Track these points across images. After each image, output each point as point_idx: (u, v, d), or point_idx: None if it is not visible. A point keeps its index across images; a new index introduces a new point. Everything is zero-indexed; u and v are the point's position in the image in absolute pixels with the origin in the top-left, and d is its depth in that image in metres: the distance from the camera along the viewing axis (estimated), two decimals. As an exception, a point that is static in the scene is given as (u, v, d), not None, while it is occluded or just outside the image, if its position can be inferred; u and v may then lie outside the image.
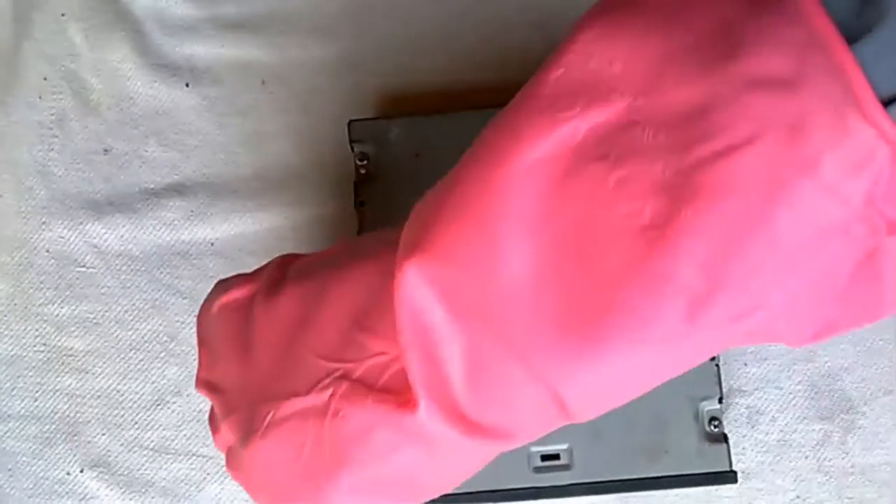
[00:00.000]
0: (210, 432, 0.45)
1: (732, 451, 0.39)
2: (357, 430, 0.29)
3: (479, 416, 0.27)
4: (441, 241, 0.26)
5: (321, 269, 0.32)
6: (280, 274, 0.34)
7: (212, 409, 0.34)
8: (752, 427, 0.42)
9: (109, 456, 0.44)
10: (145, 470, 0.44)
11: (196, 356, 0.44)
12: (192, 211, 0.45)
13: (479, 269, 0.25)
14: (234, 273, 0.46)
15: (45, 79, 0.46)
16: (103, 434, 0.44)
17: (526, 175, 0.24)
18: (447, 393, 0.27)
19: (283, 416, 0.30)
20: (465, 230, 0.26)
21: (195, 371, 0.44)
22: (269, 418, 0.31)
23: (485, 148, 0.26)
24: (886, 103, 0.21)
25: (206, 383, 0.34)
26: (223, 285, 0.35)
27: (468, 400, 0.27)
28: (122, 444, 0.44)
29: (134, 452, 0.44)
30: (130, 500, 0.43)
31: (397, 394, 0.28)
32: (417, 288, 0.26)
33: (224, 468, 0.43)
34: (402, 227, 0.29)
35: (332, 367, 0.30)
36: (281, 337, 0.32)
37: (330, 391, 0.30)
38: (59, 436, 0.44)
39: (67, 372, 0.44)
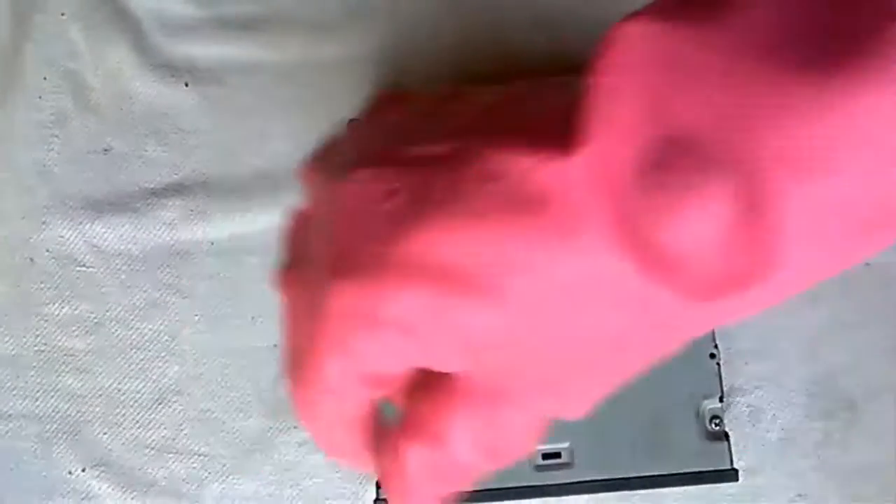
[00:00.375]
0: (212, 432, 0.45)
1: (733, 449, 0.39)
2: (494, 172, 0.22)
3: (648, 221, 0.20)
4: None
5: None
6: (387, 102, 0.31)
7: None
8: (754, 425, 0.42)
9: (111, 455, 0.44)
10: (147, 469, 0.44)
11: (197, 356, 0.44)
12: (192, 210, 0.45)
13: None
14: (235, 271, 0.46)
15: (44, 78, 0.46)
16: (104, 433, 0.44)
17: None
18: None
19: (390, 154, 0.25)
20: None
21: (196, 370, 0.44)
22: (370, 152, 0.26)
23: None
24: None
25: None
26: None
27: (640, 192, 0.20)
28: (123, 444, 0.44)
29: (135, 451, 0.44)
30: (132, 499, 0.43)
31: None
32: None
33: (225, 468, 0.43)
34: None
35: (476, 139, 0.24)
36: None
37: (459, 143, 0.24)
38: (60, 435, 0.44)
39: (68, 371, 0.44)
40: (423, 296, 0.23)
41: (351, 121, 0.41)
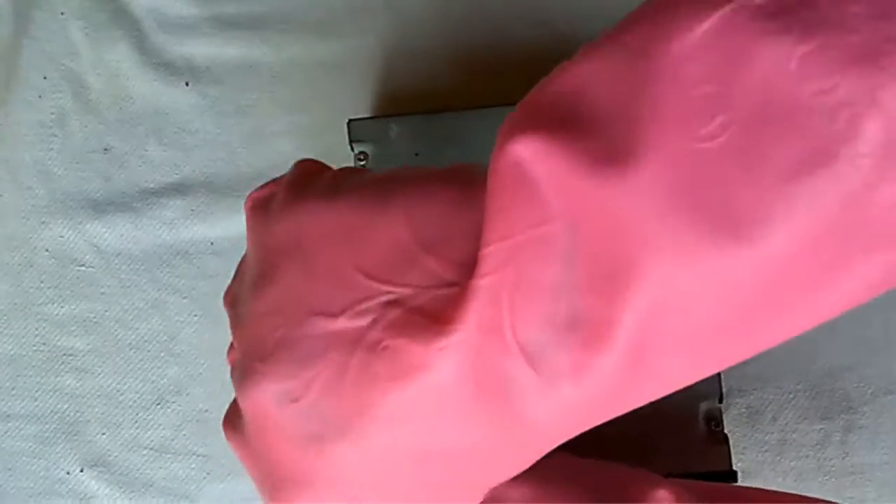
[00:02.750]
0: (210, 432, 0.45)
1: (733, 450, 0.39)
2: (400, 369, 0.23)
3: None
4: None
5: (381, 182, 0.27)
6: (305, 176, 0.28)
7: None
8: (753, 427, 0.42)
9: (109, 455, 0.44)
10: (145, 469, 0.44)
11: (196, 356, 0.44)
12: (192, 210, 0.45)
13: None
14: (232, 272, 0.46)
15: (44, 78, 0.46)
16: (103, 433, 0.44)
17: (692, 52, 0.20)
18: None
19: (295, 336, 0.24)
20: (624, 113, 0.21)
21: (195, 370, 0.44)
22: (276, 336, 0.25)
23: (639, 26, 0.22)
24: None
25: (228, 294, 0.29)
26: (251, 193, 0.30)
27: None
28: (122, 444, 0.44)
29: (134, 452, 0.44)
30: (130, 499, 0.43)
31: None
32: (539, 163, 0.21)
33: (224, 468, 0.43)
34: (473, 166, 0.26)
35: (381, 288, 0.24)
36: (309, 241, 0.26)
37: (372, 317, 0.24)
38: (59, 435, 0.44)
39: (67, 371, 0.44)
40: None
41: (350, 121, 0.41)
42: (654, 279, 0.20)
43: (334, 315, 0.24)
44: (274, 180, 0.30)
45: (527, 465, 0.26)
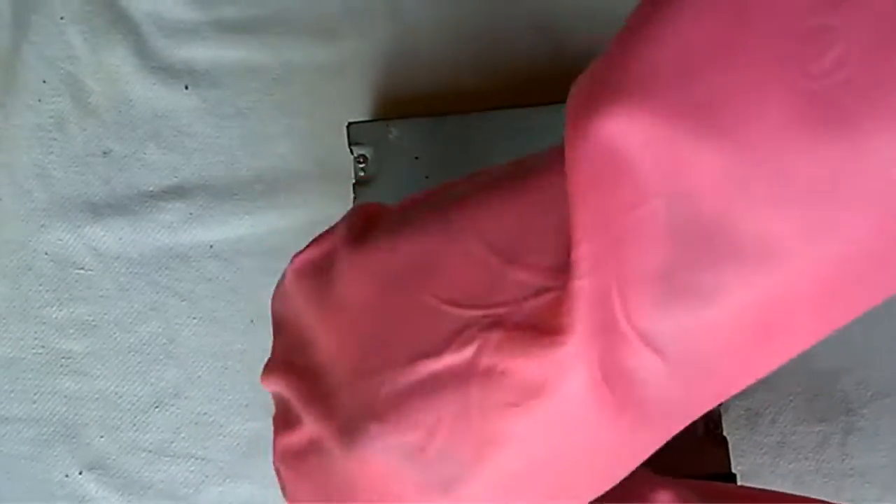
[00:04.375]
0: (209, 435, 0.45)
1: (732, 452, 0.39)
2: (525, 390, 0.22)
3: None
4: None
5: (437, 205, 0.25)
6: (364, 222, 0.27)
7: (277, 409, 0.27)
8: (752, 429, 0.42)
9: (108, 458, 0.44)
10: (144, 472, 0.43)
11: (195, 359, 0.44)
12: (191, 213, 0.45)
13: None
14: (233, 274, 0.46)
15: (43, 81, 0.46)
16: (102, 436, 0.44)
17: None
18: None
19: (404, 387, 0.23)
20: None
21: (194, 373, 0.44)
22: (383, 392, 0.23)
23: None
24: None
25: (280, 365, 0.26)
26: (295, 256, 0.28)
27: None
28: (120, 447, 0.44)
29: (132, 455, 0.44)
30: (129, 502, 0.43)
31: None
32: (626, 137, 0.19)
33: (222, 471, 0.43)
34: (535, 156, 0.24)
35: (475, 314, 0.23)
36: (385, 288, 0.24)
37: (476, 345, 0.22)
38: (57, 438, 0.44)
39: (66, 374, 0.44)
40: None
41: (350, 124, 0.41)
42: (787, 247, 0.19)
43: (438, 353, 0.23)
44: (321, 236, 0.28)
45: (644, 459, 0.24)
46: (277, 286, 0.28)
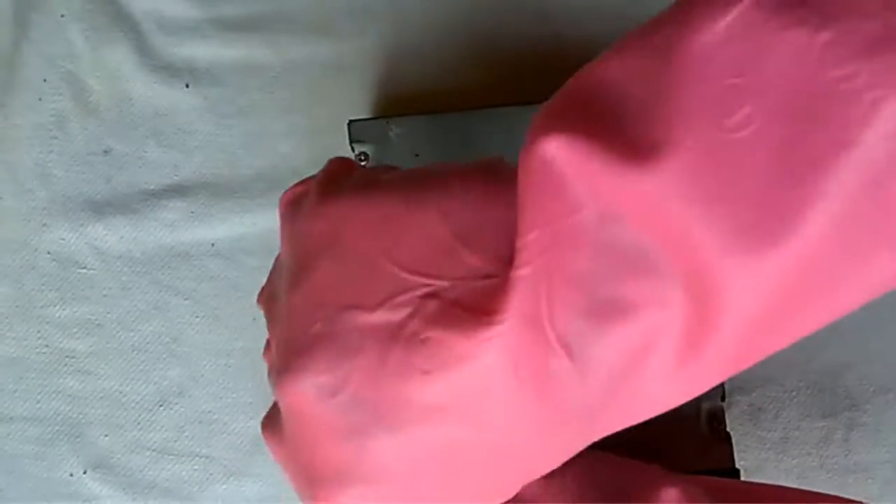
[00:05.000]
0: (213, 433, 0.45)
1: (735, 448, 0.39)
2: (442, 361, 0.23)
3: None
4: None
5: (410, 176, 0.27)
6: (338, 172, 0.29)
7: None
8: (755, 425, 0.42)
9: (112, 457, 0.44)
10: (148, 471, 0.44)
11: (199, 357, 0.44)
12: (192, 212, 0.45)
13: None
14: (235, 272, 0.46)
15: (44, 80, 0.46)
16: (106, 435, 0.44)
17: (715, 47, 0.21)
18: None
19: (332, 330, 0.24)
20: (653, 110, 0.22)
21: (197, 372, 0.44)
22: (313, 330, 0.25)
23: (664, 29, 0.22)
24: None
25: (262, 293, 0.29)
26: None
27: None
28: (124, 446, 0.44)
29: (137, 454, 0.44)
30: (133, 501, 0.43)
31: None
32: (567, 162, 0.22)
33: (227, 469, 0.43)
34: (500, 162, 0.26)
35: (419, 281, 0.24)
36: (339, 235, 0.26)
37: (409, 309, 0.24)
38: (61, 437, 0.44)
39: (70, 373, 0.44)
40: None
41: (351, 122, 0.41)
42: (697, 268, 0.21)
43: (372, 308, 0.24)
44: (306, 179, 0.30)
45: (565, 459, 0.26)
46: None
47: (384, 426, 0.24)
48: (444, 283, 0.24)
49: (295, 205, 0.29)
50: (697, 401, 0.39)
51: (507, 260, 0.23)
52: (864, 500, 0.39)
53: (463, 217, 0.25)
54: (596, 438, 0.25)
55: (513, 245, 0.23)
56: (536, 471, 0.26)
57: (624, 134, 0.21)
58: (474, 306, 0.23)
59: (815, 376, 0.42)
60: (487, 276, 0.24)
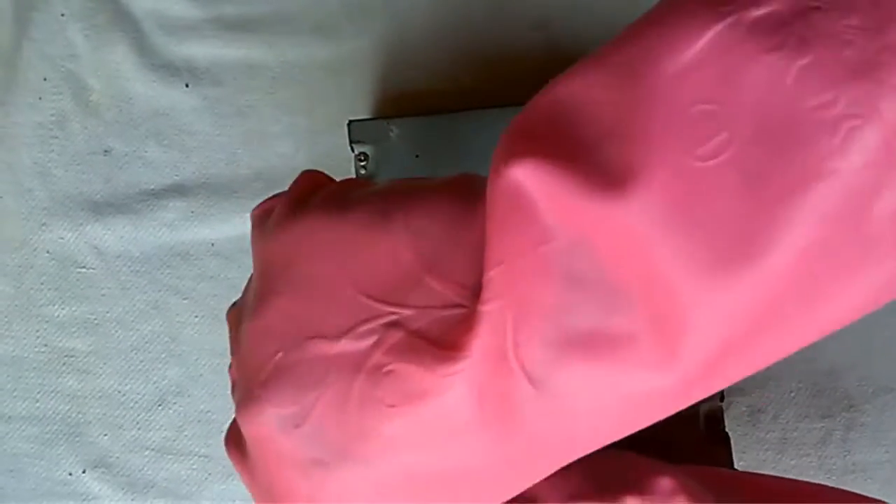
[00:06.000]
0: (212, 433, 0.45)
1: (734, 449, 0.39)
2: (406, 394, 0.23)
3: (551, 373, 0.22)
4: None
5: (379, 193, 0.26)
6: (306, 188, 0.28)
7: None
8: (754, 425, 0.42)
9: (111, 456, 0.44)
10: (147, 470, 0.44)
11: (197, 357, 0.44)
12: (192, 211, 0.45)
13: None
14: (234, 271, 0.46)
15: (45, 79, 0.46)
16: (105, 434, 0.44)
17: (686, 71, 0.20)
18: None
19: (295, 360, 0.24)
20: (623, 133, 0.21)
21: (196, 371, 0.44)
22: (275, 360, 0.24)
23: (633, 48, 0.22)
24: None
25: (232, 310, 0.29)
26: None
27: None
28: (123, 445, 0.44)
29: (136, 453, 0.44)
30: (132, 500, 0.43)
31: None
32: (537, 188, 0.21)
33: (225, 469, 0.43)
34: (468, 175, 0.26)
35: (383, 309, 0.24)
36: (303, 258, 0.25)
37: (373, 339, 0.23)
38: (60, 436, 0.44)
39: (69, 373, 0.44)
40: None
41: (351, 122, 0.41)
42: (670, 291, 0.20)
43: (335, 337, 0.24)
44: (277, 194, 0.29)
45: (535, 481, 0.25)
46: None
47: (348, 457, 0.24)
48: (409, 312, 0.24)
49: (263, 220, 0.28)
50: (696, 402, 0.39)
51: (474, 288, 0.23)
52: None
53: (430, 241, 0.24)
54: (569, 461, 0.25)
55: (480, 271, 0.23)
56: (506, 494, 0.26)
57: (594, 159, 0.21)
58: (439, 339, 0.23)
59: (813, 377, 0.42)
60: (453, 306, 0.23)
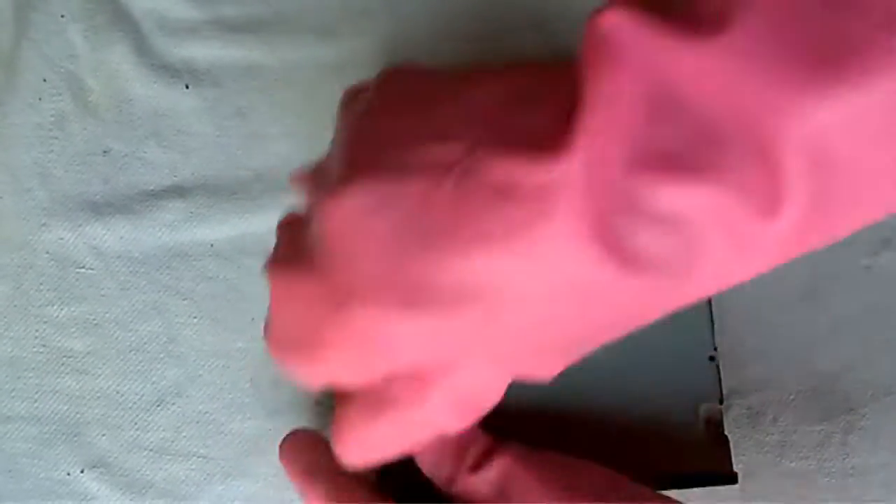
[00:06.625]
0: (211, 434, 0.45)
1: (733, 451, 0.39)
2: (507, 187, 0.23)
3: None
4: None
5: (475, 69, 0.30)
6: (393, 72, 0.33)
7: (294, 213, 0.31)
8: (753, 428, 0.42)
9: (110, 457, 0.44)
10: (146, 471, 0.44)
11: (196, 358, 0.44)
12: (191, 212, 0.45)
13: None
14: (234, 273, 0.46)
15: (44, 80, 0.46)
16: (104, 435, 0.44)
17: None
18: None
19: (383, 163, 0.25)
20: None
21: (195, 372, 0.44)
22: (361, 161, 0.26)
23: None
24: None
25: (307, 175, 0.32)
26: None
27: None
28: (122, 445, 0.44)
29: (134, 453, 0.44)
30: (131, 500, 0.43)
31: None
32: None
33: (224, 470, 0.43)
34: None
35: (477, 131, 0.25)
36: (403, 107, 0.28)
37: (468, 143, 0.24)
38: (59, 437, 0.44)
39: (67, 373, 0.44)
40: (428, 323, 0.24)
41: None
42: (782, 124, 0.21)
43: (431, 140, 0.25)
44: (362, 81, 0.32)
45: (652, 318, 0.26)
46: None
47: (443, 248, 0.23)
48: (506, 123, 0.24)
49: (352, 100, 0.32)
50: (695, 404, 0.39)
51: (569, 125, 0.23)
52: (862, 504, 0.39)
53: (523, 86, 0.26)
54: (684, 302, 0.25)
55: (566, 121, 0.23)
56: (616, 330, 0.26)
57: (688, 8, 0.22)
58: (538, 144, 0.23)
59: (813, 379, 0.42)
60: (549, 130, 0.23)
